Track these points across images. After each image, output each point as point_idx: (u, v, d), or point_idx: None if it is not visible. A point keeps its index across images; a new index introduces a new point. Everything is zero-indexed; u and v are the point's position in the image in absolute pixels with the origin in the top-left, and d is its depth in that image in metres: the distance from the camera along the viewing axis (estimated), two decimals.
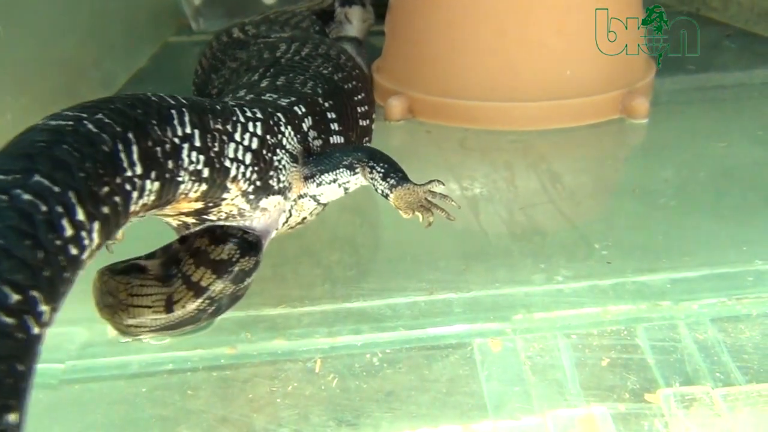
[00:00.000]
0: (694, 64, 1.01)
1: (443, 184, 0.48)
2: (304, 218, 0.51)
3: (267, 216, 0.46)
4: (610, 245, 0.56)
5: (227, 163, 0.41)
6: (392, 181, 0.48)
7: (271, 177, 0.45)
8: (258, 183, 0.44)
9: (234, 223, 0.45)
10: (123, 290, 0.42)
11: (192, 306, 0.42)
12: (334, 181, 0.48)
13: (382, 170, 0.48)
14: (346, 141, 0.55)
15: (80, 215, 0.29)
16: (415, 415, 0.41)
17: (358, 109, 0.59)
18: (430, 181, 0.48)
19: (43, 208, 0.27)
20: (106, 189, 0.31)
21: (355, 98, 0.59)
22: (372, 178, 0.48)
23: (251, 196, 0.44)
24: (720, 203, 0.64)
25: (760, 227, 0.59)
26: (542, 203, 0.64)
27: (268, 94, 0.51)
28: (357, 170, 0.48)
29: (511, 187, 0.67)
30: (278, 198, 0.46)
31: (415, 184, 0.48)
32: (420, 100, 0.84)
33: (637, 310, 0.48)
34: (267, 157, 0.45)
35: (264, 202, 0.45)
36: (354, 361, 0.45)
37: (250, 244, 0.45)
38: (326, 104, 0.53)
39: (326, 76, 0.57)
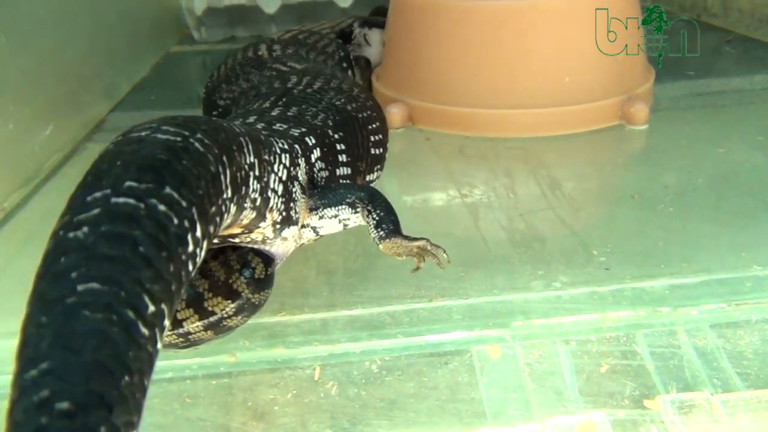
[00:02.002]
0: (694, 69, 1.01)
1: (437, 246, 0.49)
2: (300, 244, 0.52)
3: (285, 245, 0.47)
4: (609, 251, 0.56)
5: (269, 193, 0.42)
6: (382, 233, 0.49)
7: (292, 208, 0.46)
8: (284, 213, 0.44)
9: (252, 245, 0.45)
10: None
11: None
12: (336, 216, 0.49)
13: (377, 218, 0.49)
14: (353, 171, 0.55)
15: (198, 232, 0.29)
16: (414, 422, 0.41)
17: (371, 138, 0.60)
18: (421, 238, 0.49)
19: (175, 221, 0.27)
20: (213, 209, 0.31)
21: (369, 128, 0.60)
22: (367, 222, 0.49)
23: (278, 226, 0.44)
24: (719, 209, 0.64)
25: (759, 233, 0.59)
26: (541, 210, 0.64)
27: (278, 124, 0.51)
28: (358, 210, 0.49)
29: (511, 194, 0.67)
30: (296, 228, 0.47)
31: (405, 238, 0.48)
32: (419, 108, 0.85)
33: (636, 317, 0.48)
34: (290, 189, 0.46)
35: (286, 232, 0.45)
36: (353, 369, 0.45)
37: (261, 280, 0.44)
38: (336, 136, 0.54)
39: (338, 107, 0.58)
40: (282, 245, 0.46)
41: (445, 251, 0.49)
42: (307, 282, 0.55)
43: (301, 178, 0.48)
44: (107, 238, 0.25)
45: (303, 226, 0.49)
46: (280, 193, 0.43)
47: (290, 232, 0.46)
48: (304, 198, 0.48)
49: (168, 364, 0.46)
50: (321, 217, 0.49)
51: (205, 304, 0.42)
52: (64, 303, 0.23)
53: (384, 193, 0.62)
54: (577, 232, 0.60)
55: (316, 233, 0.50)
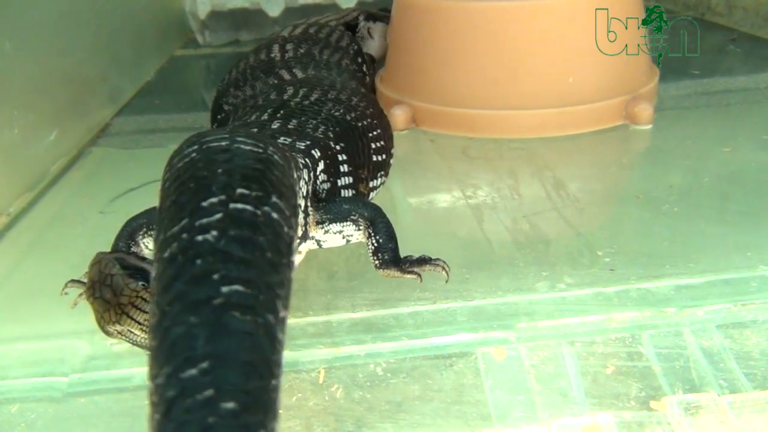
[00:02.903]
0: (698, 68, 1.00)
1: (436, 264, 0.51)
2: None
3: (298, 259, 0.47)
4: (614, 252, 0.56)
5: (299, 208, 0.42)
6: (378, 261, 0.50)
7: (308, 222, 0.46)
8: (303, 228, 0.45)
9: None
10: (127, 296, 0.41)
11: None
12: (340, 232, 0.50)
13: (376, 244, 0.50)
14: (355, 180, 0.55)
15: (294, 240, 0.29)
16: (420, 425, 0.41)
17: (373, 146, 0.60)
18: (412, 270, 0.50)
19: (285, 229, 0.28)
20: (295, 219, 0.32)
21: (370, 135, 0.60)
22: (367, 244, 0.50)
23: (297, 241, 0.44)
24: (725, 209, 0.63)
25: (765, 232, 0.58)
26: (546, 211, 0.64)
27: (282, 137, 0.51)
28: (360, 228, 0.50)
29: (515, 195, 0.67)
30: (308, 243, 0.48)
31: (400, 269, 0.50)
32: (423, 110, 0.85)
33: (641, 317, 0.48)
34: (306, 203, 0.46)
35: (302, 247, 0.46)
36: (358, 372, 0.45)
37: None
38: (337, 147, 0.54)
39: (338, 118, 0.58)
40: (296, 260, 0.46)
41: (446, 266, 0.50)
42: (310, 285, 0.55)
43: (310, 192, 0.48)
44: (237, 242, 0.25)
45: (308, 239, 0.49)
46: (302, 207, 0.43)
47: (305, 246, 0.46)
48: (312, 211, 0.48)
49: None
50: (326, 232, 0.50)
51: None
52: (212, 304, 0.23)
53: (389, 194, 0.62)
54: (582, 233, 0.60)
55: (319, 246, 0.51)
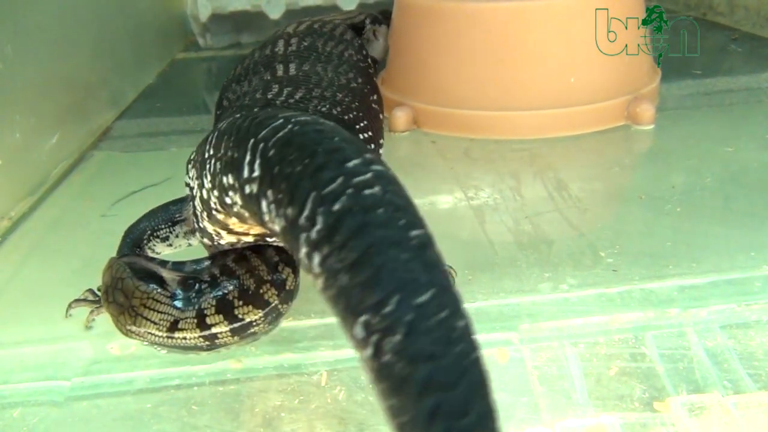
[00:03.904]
0: (700, 68, 1.00)
1: None
2: None
3: None
4: (617, 252, 0.56)
5: None
6: None
7: None
8: None
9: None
10: (138, 298, 0.41)
11: (192, 335, 0.42)
12: None
13: None
14: None
15: None
16: None
17: (360, 137, 0.60)
18: None
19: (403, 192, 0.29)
20: None
21: (356, 127, 0.60)
22: None
23: None
24: (728, 208, 0.63)
25: None
26: (548, 211, 0.63)
27: None
28: None
29: (517, 196, 0.67)
30: None
31: None
32: (424, 111, 0.84)
33: (644, 318, 0.48)
34: None
35: None
36: (360, 374, 0.45)
37: (290, 290, 0.45)
38: None
39: (324, 114, 0.58)
40: None
41: (452, 270, 0.50)
42: (311, 287, 0.54)
43: None
44: (395, 194, 0.28)
45: None
46: None
47: None
48: None
49: (175, 371, 0.46)
50: None
51: (236, 312, 0.42)
52: (410, 244, 0.26)
53: None
54: (585, 234, 0.59)
55: None
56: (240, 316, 0.42)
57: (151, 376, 0.46)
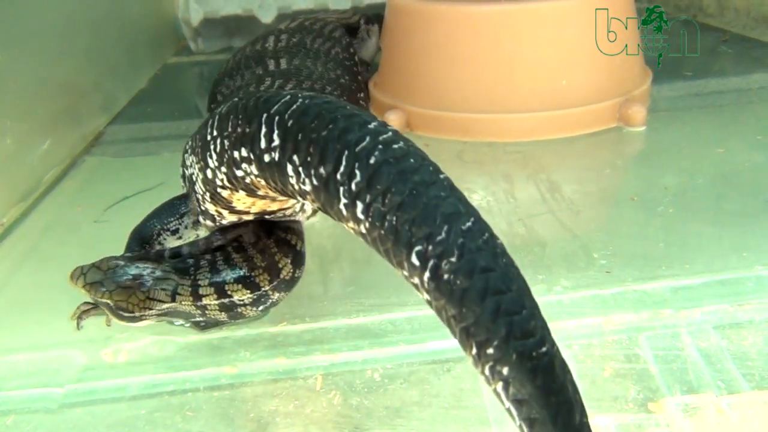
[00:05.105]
0: (691, 70, 1.01)
1: None
2: None
3: (303, 217, 0.51)
4: (610, 254, 0.56)
5: None
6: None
7: None
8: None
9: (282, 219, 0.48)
10: (150, 272, 0.45)
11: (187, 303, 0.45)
12: None
13: None
14: None
15: None
16: (418, 430, 0.41)
17: None
18: None
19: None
20: None
21: None
22: None
23: None
24: (720, 209, 0.63)
25: (760, 232, 0.58)
26: (541, 214, 0.64)
27: None
28: None
29: (510, 199, 0.67)
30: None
31: None
32: (417, 114, 0.85)
33: (638, 319, 0.48)
34: None
35: (306, 205, 0.50)
36: (355, 378, 0.45)
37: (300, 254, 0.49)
38: None
39: None
40: (302, 217, 0.51)
41: None
42: (305, 291, 0.54)
43: None
44: (415, 147, 0.32)
45: None
46: None
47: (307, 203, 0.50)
48: None
49: (169, 377, 0.46)
50: None
51: (226, 288, 0.46)
52: (444, 184, 0.30)
53: None
54: (578, 236, 0.60)
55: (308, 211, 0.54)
56: (257, 282, 0.46)
57: (145, 382, 0.46)
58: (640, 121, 0.81)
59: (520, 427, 0.28)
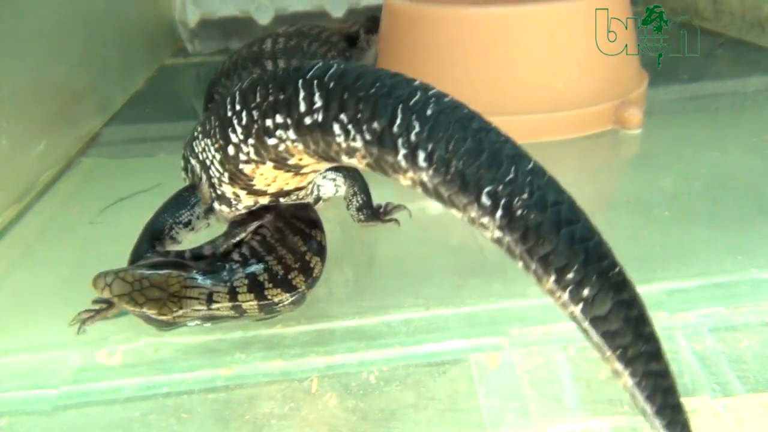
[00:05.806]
0: (687, 73, 1.01)
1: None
2: None
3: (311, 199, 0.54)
4: None
5: None
6: (362, 216, 0.60)
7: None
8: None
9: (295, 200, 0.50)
10: (175, 284, 0.45)
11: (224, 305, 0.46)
12: (333, 180, 0.57)
13: (361, 200, 0.59)
14: None
15: None
16: None
17: None
18: (390, 219, 0.61)
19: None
20: None
21: None
22: (352, 200, 0.59)
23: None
24: (715, 212, 0.64)
25: (756, 235, 0.58)
26: None
27: None
28: (346, 183, 0.58)
29: None
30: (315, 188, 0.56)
31: (379, 219, 0.60)
32: None
33: None
34: None
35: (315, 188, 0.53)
36: (351, 380, 0.45)
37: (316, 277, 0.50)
38: None
39: None
40: (311, 199, 0.54)
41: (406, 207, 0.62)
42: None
43: None
44: (458, 100, 0.35)
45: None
46: None
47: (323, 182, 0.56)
48: None
49: (164, 379, 0.46)
50: (324, 177, 0.56)
51: (266, 293, 0.47)
52: (498, 131, 0.34)
53: (381, 202, 0.62)
54: None
55: (318, 193, 0.56)
56: (269, 297, 0.47)
57: (139, 384, 0.46)
58: (636, 123, 0.81)
59: (597, 344, 0.32)
